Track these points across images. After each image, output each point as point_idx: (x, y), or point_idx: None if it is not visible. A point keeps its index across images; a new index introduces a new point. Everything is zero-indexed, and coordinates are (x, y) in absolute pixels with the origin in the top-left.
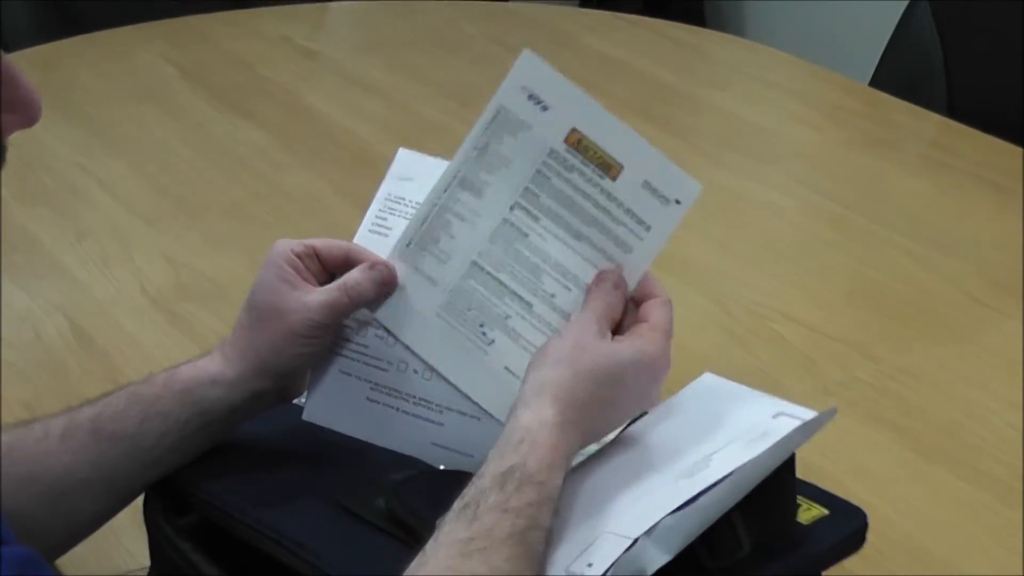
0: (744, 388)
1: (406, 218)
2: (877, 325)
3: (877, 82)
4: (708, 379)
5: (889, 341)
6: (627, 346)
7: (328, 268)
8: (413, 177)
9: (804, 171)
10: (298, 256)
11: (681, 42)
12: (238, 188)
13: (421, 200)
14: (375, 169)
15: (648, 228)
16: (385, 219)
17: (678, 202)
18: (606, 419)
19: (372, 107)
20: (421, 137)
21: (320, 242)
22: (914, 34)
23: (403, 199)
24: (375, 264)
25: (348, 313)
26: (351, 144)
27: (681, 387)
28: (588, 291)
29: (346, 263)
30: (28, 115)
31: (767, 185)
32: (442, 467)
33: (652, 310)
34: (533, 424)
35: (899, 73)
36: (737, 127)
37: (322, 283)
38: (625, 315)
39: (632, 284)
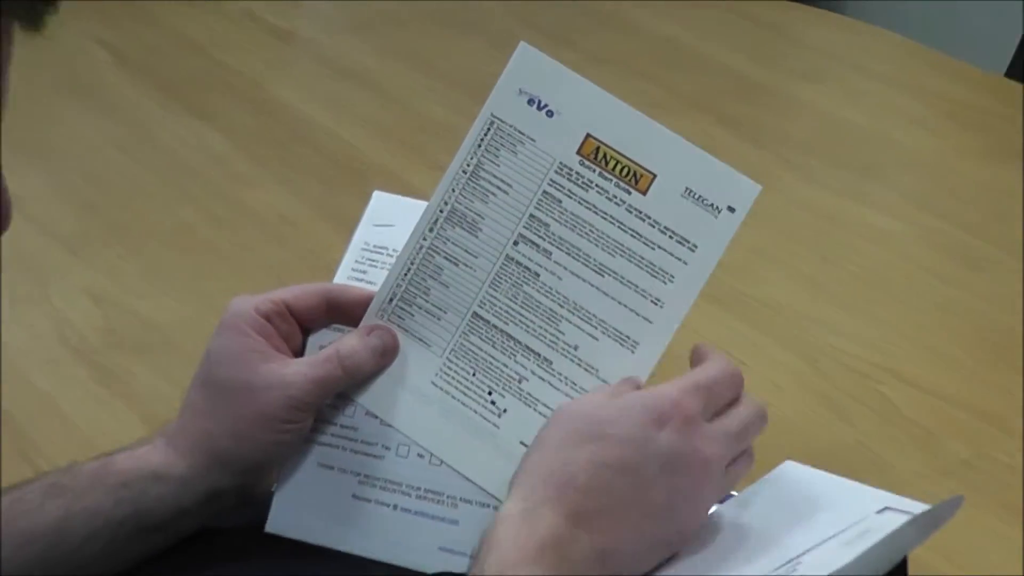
0: (838, 479)
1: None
2: (1014, 388)
3: (1014, 74)
4: (790, 470)
5: None
6: (617, 401)
7: (304, 322)
8: (394, 223)
9: (919, 187)
10: (265, 316)
11: (761, 21)
12: (189, 207)
13: (393, 263)
14: (364, 182)
15: (693, 248)
16: (364, 271)
17: (731, 210)
18: (613, 491)
19: (360, 103)
20: (423, 142)
21: (290, 294)
22: None
23: (384, 248)
24: (374, 329)
25: (339, 391)
26: (334, 150)
27: (758, 470)
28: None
29: (327, 311)
30: None
31: (871, 205)
32: None
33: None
34: (492, 523)
35: None
36: (833, 131)
37: (298, 347)
38: None
39: (676, 323)
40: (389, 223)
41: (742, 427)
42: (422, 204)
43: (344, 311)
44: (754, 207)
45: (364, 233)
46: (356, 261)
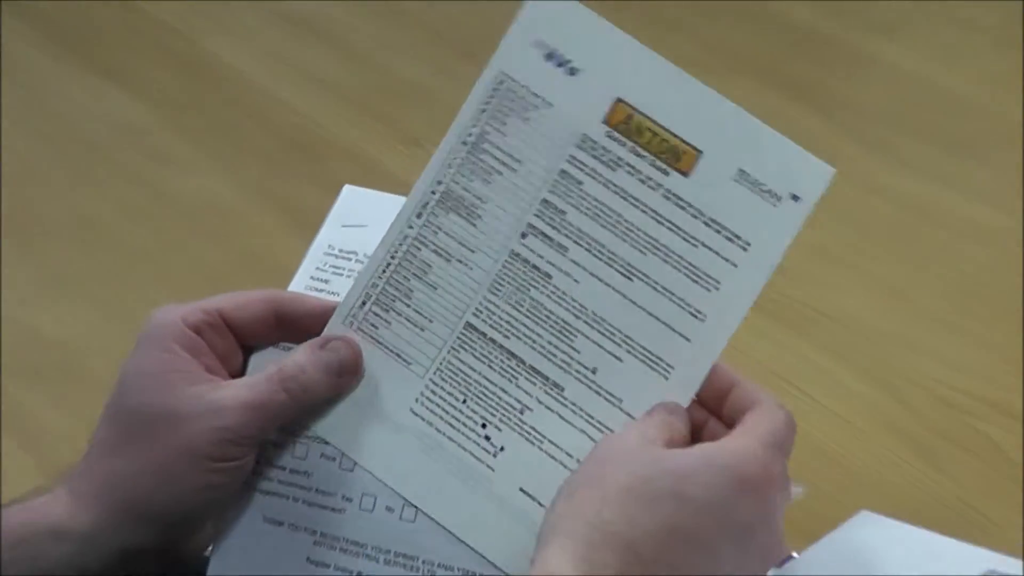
0: (927, 533)
1: None
2: None
3: None
4: (866, 521)
5: None
6: (688, 451)
7: (245, 338)
8: (366, 223)
9: None
10: (195, 329)
11: None
12: (95, 194)
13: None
14: (321, 163)
15: (746, 246)
16: (326, 280)
17: (795, 198)
18: (680, 568)
19: (317, 61)
20: (396, 112)
21: (228, 302)
22: None
23: (353, 253)
24: (328, 341)
25: (285, 420)
26: (283, 122)
27: (823, 524)
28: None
29: (275, 325)
30: None
31: (969, 194)
32: None
33: (748, 418)
34: None
35: None
36: (919, 99)
37: (237, 369)
38: (702, 432)
39: (721, 342)
40: (361, 223)
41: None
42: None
43: (297, 325)
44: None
45: (329, 234)
46: (317, 267)
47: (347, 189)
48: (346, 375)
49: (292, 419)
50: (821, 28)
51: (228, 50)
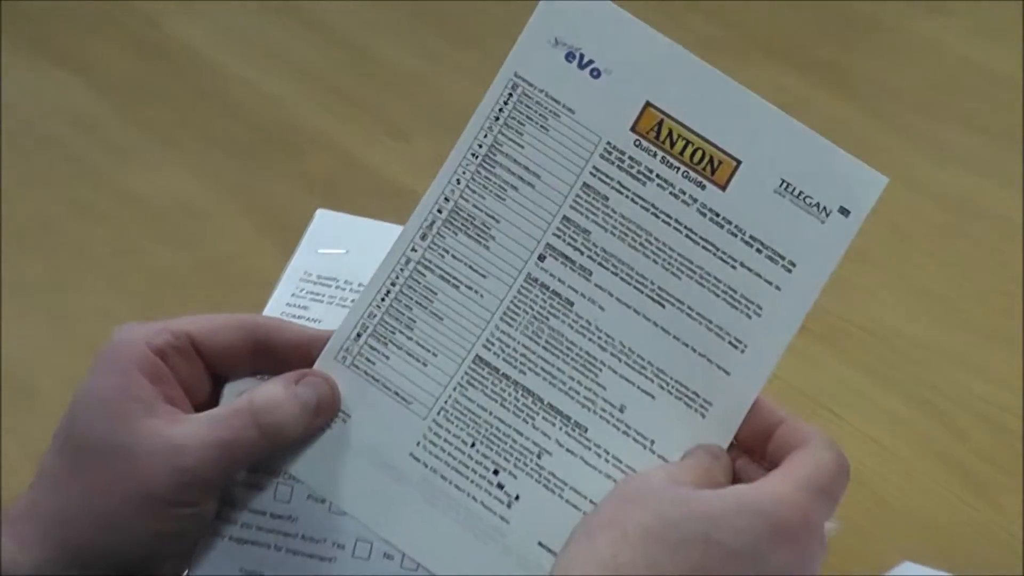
0: None
1: (343, 306)
2: None
3: None
4: (910, 572)
5: None
6: (720, 492)
7: (217, 367)
8: (345, 248)
9: None
10: (159, 353)
11: None
12: (45, 192)
13: (365, 280)
14: (298, 157)
15: (790, 267)
16: (305, 306)
17: (844, 212)
18: None
19: (294, 45)
20: (383, 102)
21: (198, 325)
22: None
23: (332, 279)
24: (304, 376)
25: (253, 461)
26: (256, 112)
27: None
28: None
29: (251, 355)
30: None
31: (1020, 190)
32: None
33: (792, 458)
34: None
35: None
36: (968, 83)
37: (204, 401)
38: (740, 475)
39: (764, 374)
40: (339, 248)
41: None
42: (388, 228)
43: (276, 356)
44: None
45: (304, 260)
46: (292, 293)
47: (320, 213)
48: (322, 415)
49: (261, 460)
50: (856, 4)
51: (196, 34)
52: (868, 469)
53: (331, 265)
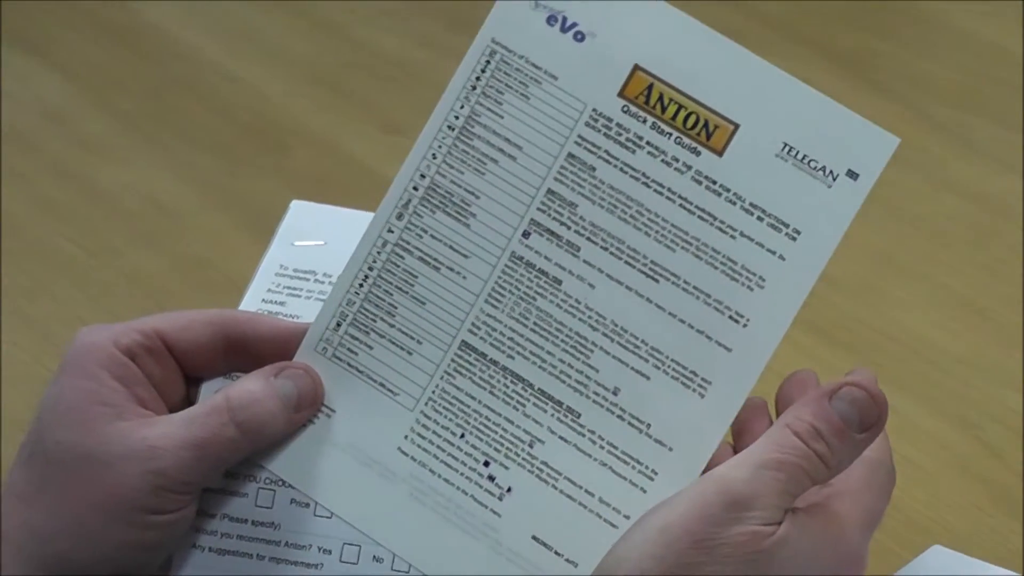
0: (1007, 572)
1: (323, 300)
2: None
3: None
4: (939, 558)
5: None
6: (786, 535)
7: (190, 367)
8: (323, 240)
9: None
10: (128, 353)
11: None
12: (14, 193)
13: (341, 272)
14: (280, 149)
15: (794, 235)
16: (282, 302)
17: (852, 175)
18: None
19: (282, 35)
20: (369, 89)
21: (169, 323)
22: None
23: (311, 273)
24: (284, 369)
25: (233, 462)
26: (233, 102)
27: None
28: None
29: (224, 351)
30: None
31: None
32: None
33: (851, 472)
34: None
35: None
36: (1005, 74)
37: (177, 403)
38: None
39: (767, 352)
40: (316, 240)
41: None
42: (369, 216)
43: (251, 351)
44: (882, 188)
45: (279, 253)
46: (268, 289)
47: (295, 204)
48: (304, 409)
49: (241, 460)
50: None
51: (172, 19)
52: (896, 486)
53: (309, 258)
